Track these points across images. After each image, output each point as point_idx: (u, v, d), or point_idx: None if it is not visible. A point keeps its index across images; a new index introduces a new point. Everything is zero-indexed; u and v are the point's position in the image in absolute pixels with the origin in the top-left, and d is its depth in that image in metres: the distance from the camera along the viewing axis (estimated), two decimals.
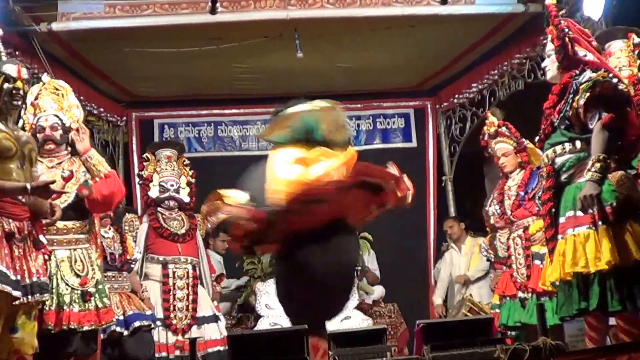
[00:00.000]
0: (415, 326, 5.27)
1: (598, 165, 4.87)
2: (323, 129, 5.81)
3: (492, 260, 8.91)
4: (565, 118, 5.13)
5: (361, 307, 9.46)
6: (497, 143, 7.50)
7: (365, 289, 9.78)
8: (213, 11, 8.15)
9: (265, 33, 8.96)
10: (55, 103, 6.28)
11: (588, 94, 5.01)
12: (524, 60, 9.22)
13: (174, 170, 8.84)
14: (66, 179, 6.10)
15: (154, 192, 8.73)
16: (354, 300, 9.23)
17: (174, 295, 8.43)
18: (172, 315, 8.39)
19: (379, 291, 10.16)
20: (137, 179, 10.56)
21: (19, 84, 5.21)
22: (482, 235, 9.40)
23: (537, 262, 6.91)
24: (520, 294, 7.12)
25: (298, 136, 5.81)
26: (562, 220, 5.12)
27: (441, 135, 11.36)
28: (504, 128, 7.49)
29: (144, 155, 8.95)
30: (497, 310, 8.50)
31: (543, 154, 5.38)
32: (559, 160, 5.19)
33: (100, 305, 6.35)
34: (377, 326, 6.69)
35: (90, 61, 9.67)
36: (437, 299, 10.13)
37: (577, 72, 5.19)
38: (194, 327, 8.43)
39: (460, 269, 9.84)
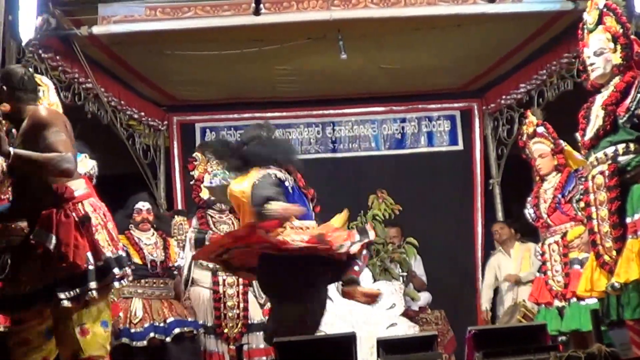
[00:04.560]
0: (467, 333, 5.15)
1: None
2: None
3: None
4: (634, 116, 5.07)
5: (407, 313, 9.30)
6: (535, 144, 7.24)
7: (412, 295, 9.62)
8: (257, 12, 8.06)
9: (308, 34, 8.85)
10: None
11: None
12: (573, 60, 8.95)
13: (225, 172, 8.68)
14: None
15: (204, 194, 8.59)
16: (400, 307, 9.10)
17: (225, 303, 8.29)
18: (223, 324, 8.25)
19: (425, 297, 10.00)
20: (177, 181, 10.58)
21: None
22: (530, 241, 9.25)
23: (576, 266, 6.68)
24: (557, 303, 6.89)
25: None
26: (629, 220, 5.05)
27: (488, 138, 11.18)
28: (541, 128, 7.25)
29: (194, 155, 8.79)
30: None
31: (599, 152, 5.28)
32: (622, 159, 5.13)
33: None
34: (427, 333, 6.56)
35: (131, 65, 9.62)
36: (483, 304, 9.97)
37: None
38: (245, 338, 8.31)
39: (509, 272, 9.66)
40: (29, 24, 7.46)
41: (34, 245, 4.76)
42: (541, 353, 4.69)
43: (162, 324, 7.89)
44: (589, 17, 5.51)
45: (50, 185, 4.82)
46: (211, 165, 8.59)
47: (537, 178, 7.33)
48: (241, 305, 8.34)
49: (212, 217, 8.51)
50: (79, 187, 4.95)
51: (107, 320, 4.94)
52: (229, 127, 11.17)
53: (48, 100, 6.05)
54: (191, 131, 11.22)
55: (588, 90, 5.67)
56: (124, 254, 4.99)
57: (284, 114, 11.21)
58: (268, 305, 8.68)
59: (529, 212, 7.36)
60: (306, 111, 11.24)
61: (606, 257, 5.18)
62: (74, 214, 4.82)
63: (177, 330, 7.89)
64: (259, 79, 10.20)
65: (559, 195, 6.91)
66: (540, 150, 7.20)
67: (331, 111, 11.26)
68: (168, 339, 7.85)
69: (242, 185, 6.21)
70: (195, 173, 8.64)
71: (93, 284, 4.74)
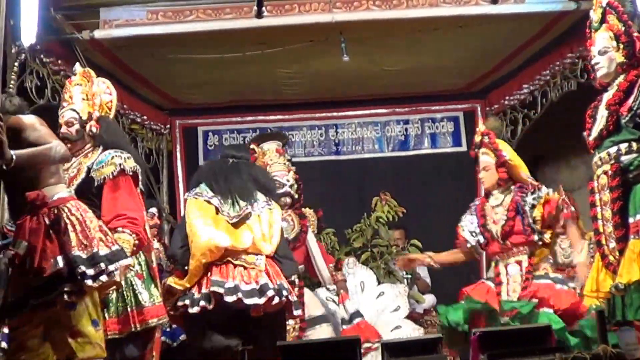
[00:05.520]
0: (471, 335, 5.13)
1: None
2: None
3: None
4: (636, 116, 5.04)
5: (412, 316, 9.27)
6: (482, 154, 6.82)
7: (417, 298, 9.60)
8: (259, 15, 8.01)
9: (311, 37, 8.82)
10: (81, 93, 6.04)
11: None
12: (577, 60, 8.97)
13: (284, 164, 8.30)
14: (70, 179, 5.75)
15: None
16: (404, 309, 9.07)
17: None
18: None
19: (430, 300, 9.97)
20: (180, 184, 10.53)
21: None
22: None
23: (559, 286, 6.45)
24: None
25: None
26: (632, 220, 5.00)
27: None
28: (486, 137, 6.83)
29: (252, 147, 8.53)
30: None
31: (602, 152, 5.25)
32: (625, 159, 5.09)
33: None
34: (433, 335, 6.55)
35: (133, 69, 9.63)
36: None
37: None
38: (307, 331, 8.01)
39: None
40: (30, 28, 7.43)
41: (14, 254, 4.80)
42: (546, 354, 4.67)
43: (168, 329, 7.88)
44: (594, 15, 5.48)
45: (26, 194, 4.85)
46: (270, 158, 8.37)
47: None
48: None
49: None
50: (58, 191, 4.98)
51: (97, 319, 4.93)
52: (232, 130, 11.16)
53: (91, 91, 6.06)
54: (194, 135, 11.21)
55: (592, 91, 5.65)
56: (101, 252, 4.86)
57: (287, 116, 11.20)
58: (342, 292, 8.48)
59: (471, 233, 6.89)
60: (309, 114, 11.21)
61: (611, 258, 5.15)
62: (45, 219, 4.82)
63: (183, 337, 7.89)
64: (262, 81, 10.19)
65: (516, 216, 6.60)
66: (485, 162, 6.80)
67: (334, 113, 11.24)
68: (175, 344, 7.87)
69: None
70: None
71: (65, 287, 4.74)
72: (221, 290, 5.87)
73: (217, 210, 6.21)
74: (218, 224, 6.15)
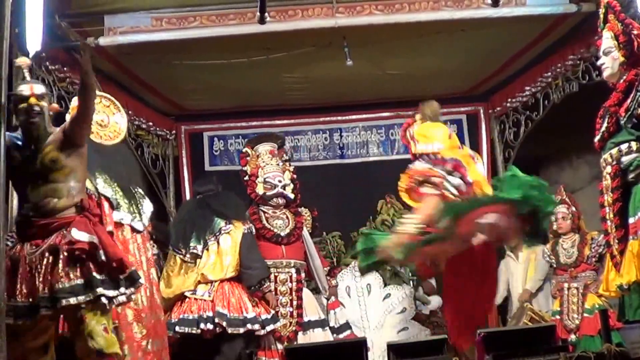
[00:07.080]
0: (476, 335, 5.17)
1: None
2: None
3: (554, 266, 8.74)
4: (634, 116, 5.05)
5: (418, 317, 9.31)
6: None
7: (422, 299, 9.63)
8: (262, 21, 8.03)
9: (314, 42, 8.85)
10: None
11: None
12: (578, 62, 8.99)
13: (278, 165, 8.58)
14: None
15: (259, 189, 8.47)
16: (410, 311, 9.11)
17: (277, 301, 8.04)
18: None
19: (435, 301, 9.98)
20: (187, 190, 10.59)
21: (32, 100, 5.27)
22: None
23: None
24: None
25: None
26: (632, 220, 5.01)
27: (495, 141, 11.09)
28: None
29: (244, 150, 8.72)
30: (558, 317, 8.36)
31: (606, 153, 5.27)
32: (625, 160, 5.12)
33: None
34: (438, 336, 6.60)
35: (138, 75, 9.65)
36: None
37: None
38: (300, 334, 8.13)
39: (518, 277, 9.65)
40: (35, 36, 7.47)
41: (55, 248, 4.89)
42: (551, 354, 4.70)
43: None
44: (601, 15, 5.51)
45: (74, 196, 5.07)
46: (263, 160, 8.51)
47: None
48: (294, 302, 8.13)
49: (265, 212, 8.38)
50: None
51: (107, 326, 5.06)
52: (237, 135, 11.15)
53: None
54: (199, 140, 11.20)
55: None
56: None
57: (292, 121, 11.17)
58: (332, 299, 8.62)
59: None
60: (314, 118, 11.19)
61: (618, 258, 5.18)
62: None
63: None
64: (266, 86, 10.19)
65: None
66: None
67: (338, 117, 11.23)
68: None
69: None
70: (248, 168, 8.53)
71: (124, 290, 4.92)
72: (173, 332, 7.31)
73: (182, 259, 7.77)
74: (179, 270, 7.76)
